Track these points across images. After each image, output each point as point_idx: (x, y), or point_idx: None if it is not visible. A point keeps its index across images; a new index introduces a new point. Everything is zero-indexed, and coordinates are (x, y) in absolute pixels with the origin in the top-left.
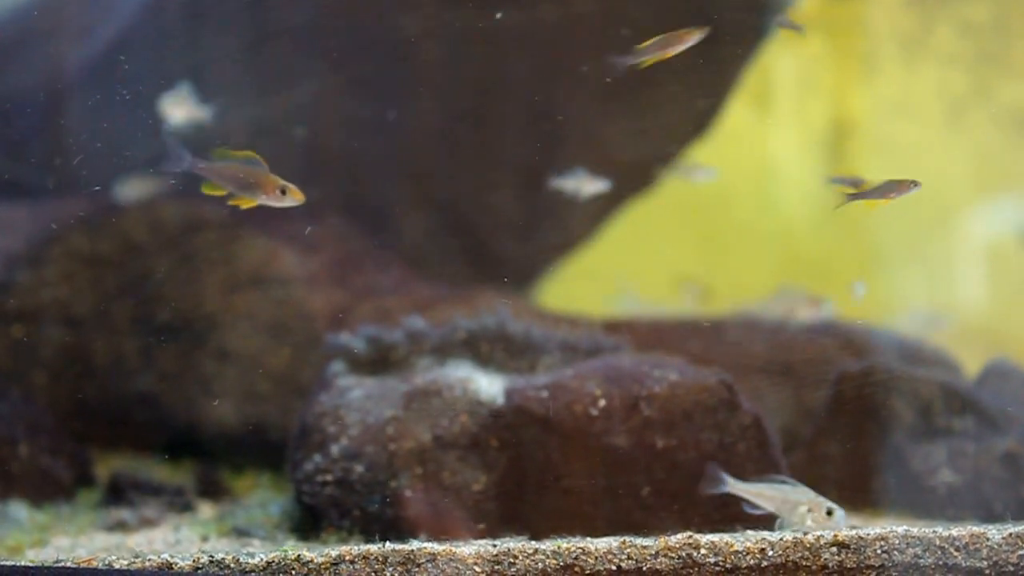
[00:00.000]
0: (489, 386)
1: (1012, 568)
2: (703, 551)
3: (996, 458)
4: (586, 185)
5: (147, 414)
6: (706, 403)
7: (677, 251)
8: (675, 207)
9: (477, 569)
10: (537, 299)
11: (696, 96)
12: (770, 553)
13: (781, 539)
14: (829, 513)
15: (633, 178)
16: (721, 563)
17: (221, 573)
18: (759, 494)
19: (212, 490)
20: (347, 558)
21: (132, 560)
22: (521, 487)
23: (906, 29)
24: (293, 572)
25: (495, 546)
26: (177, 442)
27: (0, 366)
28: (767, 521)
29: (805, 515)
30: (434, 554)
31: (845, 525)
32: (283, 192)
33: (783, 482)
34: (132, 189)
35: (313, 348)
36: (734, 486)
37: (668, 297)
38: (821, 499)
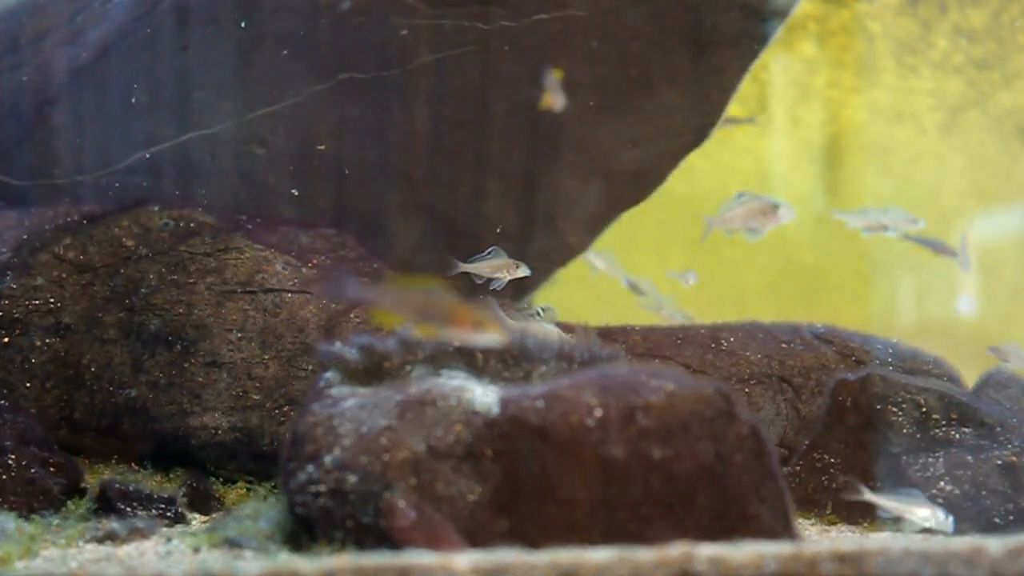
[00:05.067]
0: (484, 396)
1: None
2: (700, 563)
3: (995, 469)
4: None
5: (137, 423)
6: (703, 413)
7: (673, 256)
8: (672, 213)
9: None
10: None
11: (694, 103)
12: (768, 565)
13: (779, 551)
14: None
15: (630, 186)
16: (719, 575)
17: None
18: None
19: (203, 501)
20: (341, 569)
21: (122, 571)
22: (516, 498)
23: (903, 36)
24: None
25: (490, 557)
26: (167, 452)
27: None
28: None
29: None
30: (428, 565)
31: None
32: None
33: None
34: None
35: (305, 357)
36: None
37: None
38: None
